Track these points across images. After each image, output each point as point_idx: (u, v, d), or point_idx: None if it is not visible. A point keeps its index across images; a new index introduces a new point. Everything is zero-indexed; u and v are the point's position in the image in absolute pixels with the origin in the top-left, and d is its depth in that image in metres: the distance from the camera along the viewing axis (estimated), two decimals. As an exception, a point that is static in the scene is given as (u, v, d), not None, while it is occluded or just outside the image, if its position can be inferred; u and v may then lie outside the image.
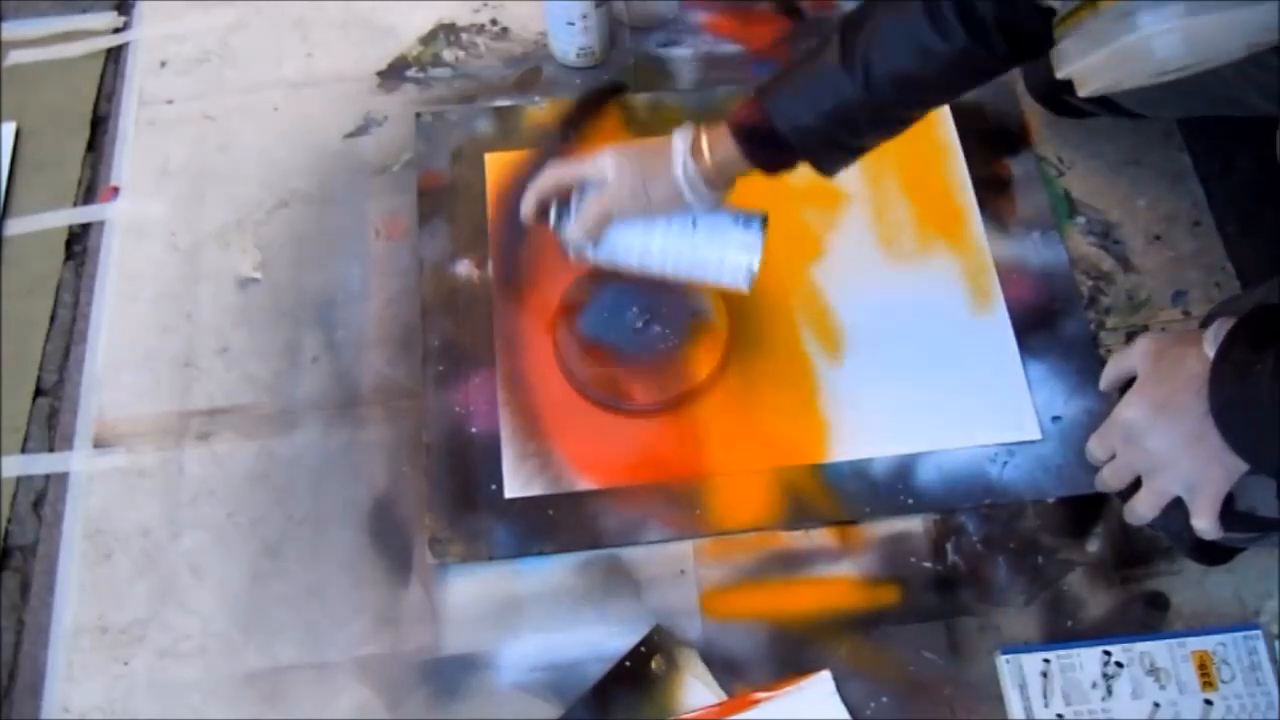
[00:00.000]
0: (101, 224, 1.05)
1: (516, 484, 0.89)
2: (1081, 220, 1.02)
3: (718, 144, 0.79)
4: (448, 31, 1.15)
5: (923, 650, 0.83)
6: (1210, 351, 0.67)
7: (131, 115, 1.11)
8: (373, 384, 0.95)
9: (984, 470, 0.89)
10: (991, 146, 1.05)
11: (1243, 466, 0.67)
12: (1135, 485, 0.72)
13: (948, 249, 0.99)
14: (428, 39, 1.15)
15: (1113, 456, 0.73)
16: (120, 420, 0.95)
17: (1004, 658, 0.82)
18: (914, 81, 0.75)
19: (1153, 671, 0.81)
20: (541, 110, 1.08)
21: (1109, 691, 0.80)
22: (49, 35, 1.17)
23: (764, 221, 0.83)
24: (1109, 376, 0.76)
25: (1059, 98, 1.03)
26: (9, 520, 0.91)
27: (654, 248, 0.83)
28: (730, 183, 0.82)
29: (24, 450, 0.94)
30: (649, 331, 0.94)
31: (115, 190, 1.07)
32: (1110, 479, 0.74)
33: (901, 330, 0.95)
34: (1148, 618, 0.84)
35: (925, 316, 0.96)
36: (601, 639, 0.84)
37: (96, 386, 0.96)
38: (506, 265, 0.99)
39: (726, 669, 0.83)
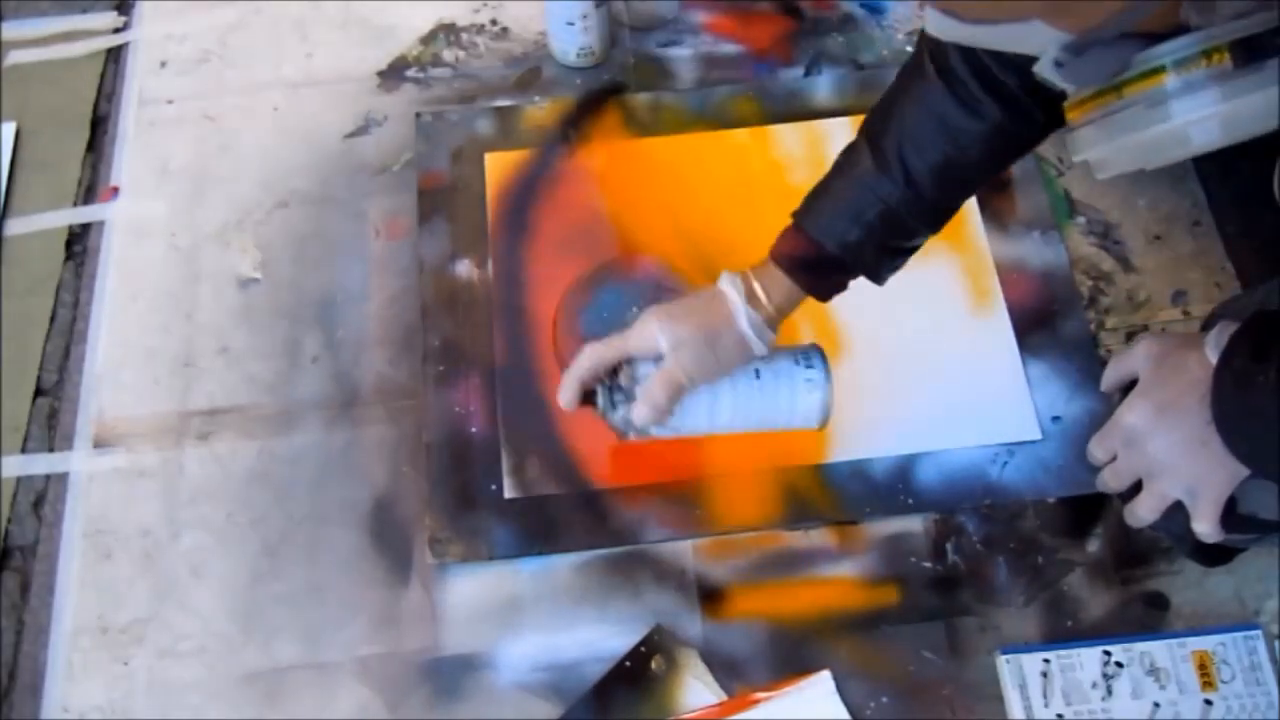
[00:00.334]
0: (101, 224, 1.05)
1: (516, 484, 0.89)
2: (1081, 220, 1.02)
3: (772, 285, 0.77)
4: (448, 31, 1.15)
5: (923, 650, 0.83)
6: (1212, 357, 0.67)
7: (131, 115, 1.11)
8: (373, 384, 0.95)
9: (984, 470, 0.89)
10: (991, 146, 1.05)
11: (1244, 471, 0.67)
12: (1136, 487, 0.72)
13: (948, 249, 0.99)
14: (428, 39, 1.14)
15: (1113, 459, 0.73)
16: (120, 420, 0.95)
17: (1004, 658, 0.82)
18: (954, 167, 0.73)
19: (1153, 671, 0.81)
20: (541, 110, 1.08)
21: (1109, 691, 0.80)
22: (49, 35, 1.17)
23: (822, 355, 0.82)
24: (1110, 378, 0.76)
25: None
26: (9, 520, 0.91)
27: (722, 408, 0.80)
28: (784, 319, 0.79)
29: (24, 450, 0.94)
30: (649, 331, 0.93)
31: (115, 190, 1.07)
32: (1111, 481, 0.74)
33: (901, 330, 0.95)
34: (1148, 618, 0.84)
35: (925, 316, 0.95)
36: (601, 639, 0.84)
37: (96, 386, 0.96)
38: (506, 265, 0.99)
39: (726, 669, 0.82)
